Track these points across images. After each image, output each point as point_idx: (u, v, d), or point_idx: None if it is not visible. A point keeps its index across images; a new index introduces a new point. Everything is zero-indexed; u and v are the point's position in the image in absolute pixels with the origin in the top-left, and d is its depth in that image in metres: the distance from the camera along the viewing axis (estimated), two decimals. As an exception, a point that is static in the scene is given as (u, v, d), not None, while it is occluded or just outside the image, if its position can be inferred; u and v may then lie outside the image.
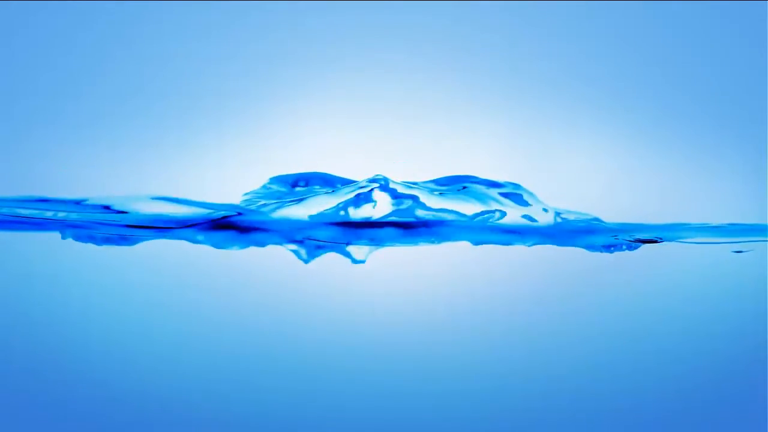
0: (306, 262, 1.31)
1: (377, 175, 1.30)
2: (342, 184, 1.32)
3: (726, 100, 1.36)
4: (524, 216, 1.29)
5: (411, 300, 1.40)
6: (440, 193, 1.30)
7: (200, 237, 1.29)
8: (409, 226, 1.29)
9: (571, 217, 1.31)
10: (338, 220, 1.28)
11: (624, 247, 1.31)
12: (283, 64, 1.36)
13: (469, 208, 1.29)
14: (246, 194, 1.32)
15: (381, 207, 1.28)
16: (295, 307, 1.39)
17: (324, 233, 1.30)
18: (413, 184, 1.31)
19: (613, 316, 1.41)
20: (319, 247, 1.31)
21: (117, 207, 1.28)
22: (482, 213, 1.29)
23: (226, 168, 1.35)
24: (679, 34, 1.37)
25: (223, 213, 1.28)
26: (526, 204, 1.30)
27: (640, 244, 1.32)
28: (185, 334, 1.39)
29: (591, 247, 1.32)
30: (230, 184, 1.33)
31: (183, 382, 1.39)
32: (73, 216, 1.28)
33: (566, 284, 1.41)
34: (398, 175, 1.31)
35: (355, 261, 1.31)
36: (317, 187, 1.32)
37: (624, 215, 1.31)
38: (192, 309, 1.40)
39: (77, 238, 1.30)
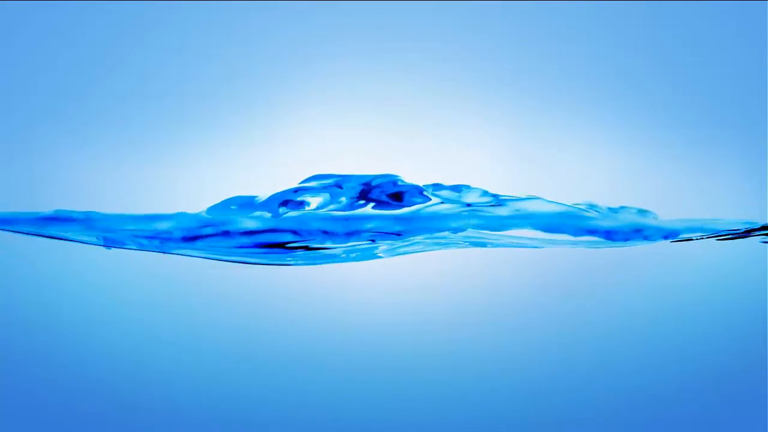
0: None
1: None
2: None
3: (726, 100, 1.36)
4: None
5: (410, 301, 1.40)
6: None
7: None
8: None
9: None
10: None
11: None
12: (284, 65, 1.36)
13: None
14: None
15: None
16: (294, 308, 1.39)
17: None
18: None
19: (611, 316, 1.41)
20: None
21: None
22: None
23: (227, 169, 1.35)
24: (679, 34, 1.37)
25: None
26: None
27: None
28: (182, 335, 1.40)
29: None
30: (231, 185, 1.33)
31: (181, 383, 1.39)
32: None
33: (564, 284, 1.41)
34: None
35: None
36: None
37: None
38: (189, 311, 1.40)
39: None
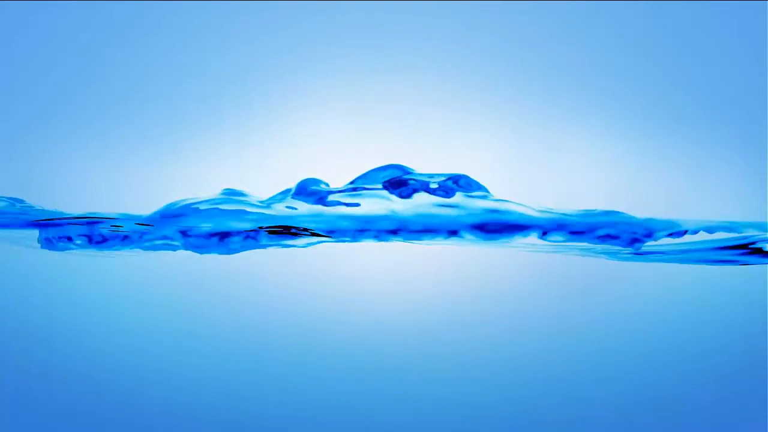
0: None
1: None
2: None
3: (726, 100, 1.36)
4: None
5: (409, 301, 1.40)
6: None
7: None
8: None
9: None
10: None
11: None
12: (285, 65, 1.36)
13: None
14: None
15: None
16: (293, 306, 1.39)
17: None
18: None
19: (610, 316, 1.41)
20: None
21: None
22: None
23: (228, 169, 1.35)
24: (679, 34, 1.37)
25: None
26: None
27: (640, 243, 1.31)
28: (179, 335, 1.40)
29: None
30: (231, 185, 1.33)
31: (179, 384, 1.39)
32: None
33: (563, 287, 1.41)
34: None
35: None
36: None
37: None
38: (187, 310, 1.40)
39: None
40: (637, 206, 1.32)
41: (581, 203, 1.31)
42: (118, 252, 1.32)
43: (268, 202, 1.29)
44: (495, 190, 1.32)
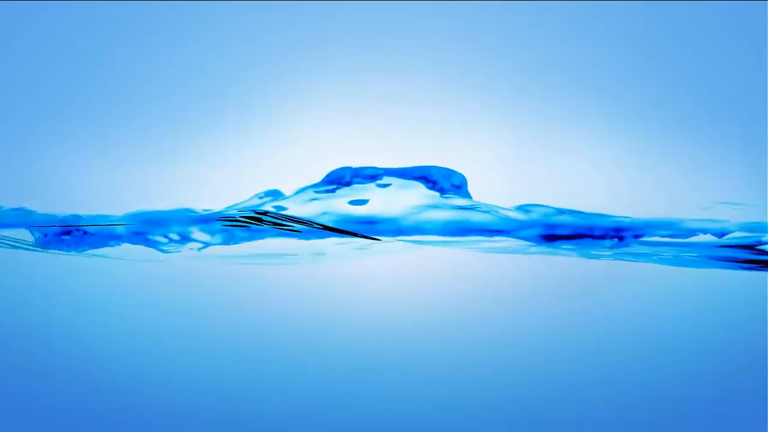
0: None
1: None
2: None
3: (726, 100, 1.36)
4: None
5: (409, 301, 1.40)
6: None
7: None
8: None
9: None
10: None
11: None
12: (286, 65, 1.36)
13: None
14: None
15: None
16: (293, 306, 1.39)
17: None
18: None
19: (609, 317, 1.41)
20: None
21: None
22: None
23: (228, 169, 1.35)
24: (679, 34, 1.37)
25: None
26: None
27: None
28: (177, 336, 1.39)
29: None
30: (232, 185, 1.33)
31: (178, 385, 1.39)
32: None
33: (563, 287, 1.41)
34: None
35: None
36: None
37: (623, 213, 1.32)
38: (187, 309, 1.40)
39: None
40: (637, 206, 1.32)
41: (581, 203, 1.31)
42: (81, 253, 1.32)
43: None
44: (495, 190, 1.32)
